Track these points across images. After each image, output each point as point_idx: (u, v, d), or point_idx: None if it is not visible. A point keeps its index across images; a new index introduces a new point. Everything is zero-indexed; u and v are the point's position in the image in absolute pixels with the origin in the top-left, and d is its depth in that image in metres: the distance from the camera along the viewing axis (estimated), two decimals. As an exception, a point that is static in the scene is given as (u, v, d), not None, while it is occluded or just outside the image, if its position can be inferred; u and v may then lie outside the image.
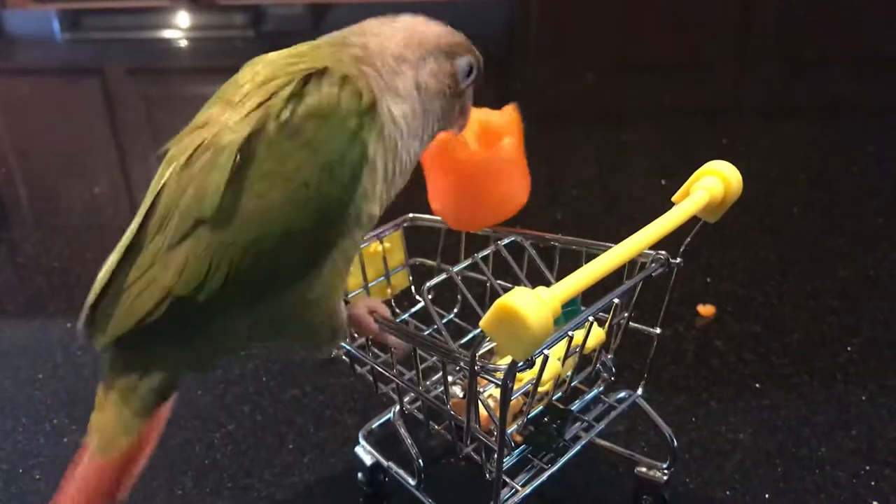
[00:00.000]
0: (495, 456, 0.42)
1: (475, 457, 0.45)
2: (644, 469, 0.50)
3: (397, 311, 0.54)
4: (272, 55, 0.42)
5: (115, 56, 1.66)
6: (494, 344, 0.45)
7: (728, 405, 0.57)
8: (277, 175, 0.37)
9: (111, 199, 1.03)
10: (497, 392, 0.45)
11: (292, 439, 0.56)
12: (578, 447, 0.46)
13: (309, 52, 0.41)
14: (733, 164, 0.41)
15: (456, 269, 0.48)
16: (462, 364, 0.38)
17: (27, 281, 0.80)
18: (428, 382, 0.51)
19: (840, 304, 0.68)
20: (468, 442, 0.44)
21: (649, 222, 0.38)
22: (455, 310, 0.55)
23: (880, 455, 0.52)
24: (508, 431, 0.44)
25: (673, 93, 1.23)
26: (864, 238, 0.78)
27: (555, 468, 0.45)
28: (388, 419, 0.52)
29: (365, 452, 0.51)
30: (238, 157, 0.37)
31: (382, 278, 0.54)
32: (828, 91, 1.21)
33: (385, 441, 0.52)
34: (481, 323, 0.33)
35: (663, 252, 0.44)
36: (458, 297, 0.54)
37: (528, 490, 0.43)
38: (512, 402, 0.46)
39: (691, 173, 0.41)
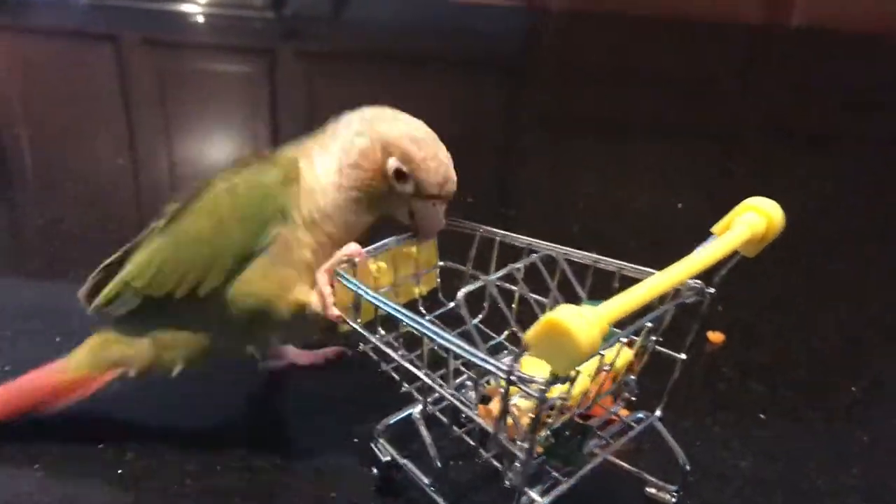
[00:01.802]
0: (516, 464, 0.44)
1: (494, 463, 0.46)
2: (654, 490, 0.51)
3: (423, 311, 0.55)
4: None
5: (132, 24, 1.65)
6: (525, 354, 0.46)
7: (732, 431, 0.58)
8: (208, 210, 0.51)
9: (117, 168, 1.04)
10: (522, 402, 0.47)
11: (330, 420, 0.58)
12: (595, 463, 0.47)
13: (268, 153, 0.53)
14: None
15: (492, 277, 0.49)
16: (500, 374, 0.39)
17: (45, 244, 0.80)
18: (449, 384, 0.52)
19: (847, 343, 0.70)
20: (491, 448, 0.45)
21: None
22: (480, 316, 0.55)
23: (878, 495, 0.53)
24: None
25: (684, 110, 1.24)
26: (873, 276, 0.80)
27: (573, 481, 0.46)
28: (405, 417, 0.53)
29: (381, 449, 0.52)
30: (193, 192, 0.51)
31: (412, 279, 0.55)
32: (838, 118, 1.23)
33: (399, 438, 0.52)
34: (527, 336, 0.34)
35: (698, 281, 0.45)
36: (485, 304, 0.55)
37: (546, 500, 0.44)
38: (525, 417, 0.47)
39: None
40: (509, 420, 0.45)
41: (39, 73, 1.41)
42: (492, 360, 0.40)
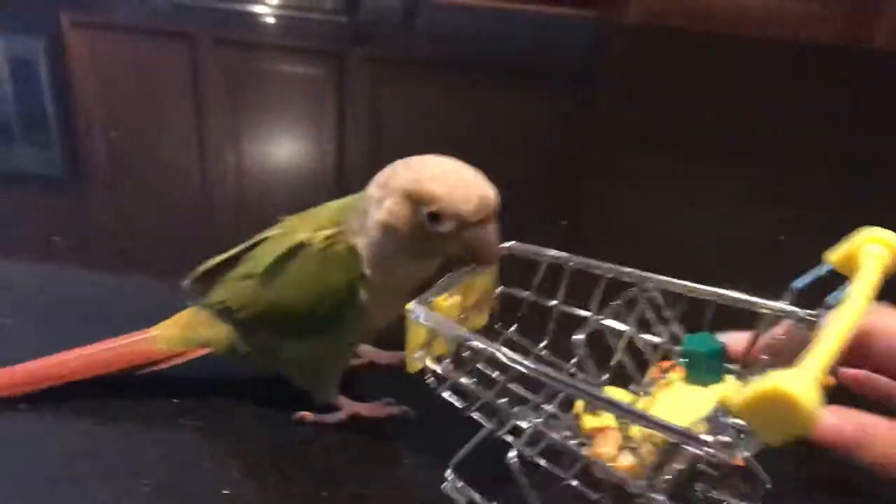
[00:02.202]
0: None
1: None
2: None
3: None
4: (344, 199, 0.56)
5: (207, 24, 1.66)
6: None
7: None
8: (296, 276, 0.54)
9: (187, 165, 1.04)
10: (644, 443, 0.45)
11: (408, 454, 0.55)
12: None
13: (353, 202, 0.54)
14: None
15: (601, 318, 0.47)
16: (702, 451, 0.37)
17: (116, 239, 0.81)
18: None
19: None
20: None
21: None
22: (543, 343, 0.53)
23: None
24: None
25: (756, 129, 1.21)
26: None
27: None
28: (473, 451, 0.50)
29: (456, 491, 0.49)
30: (289, 249, 0.54)
31: (475, 309, 0.53)
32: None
33: (477, 476, 0.50)
34: (735, 403, 0.32)
35: (809, 311, 0.43)
36: (550, 329, 0.53)
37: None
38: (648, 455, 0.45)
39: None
40: (626, 461, 0.43)
41: (115, 70, 1.42)
42: (662, 422, 0.37)
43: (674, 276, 0.49)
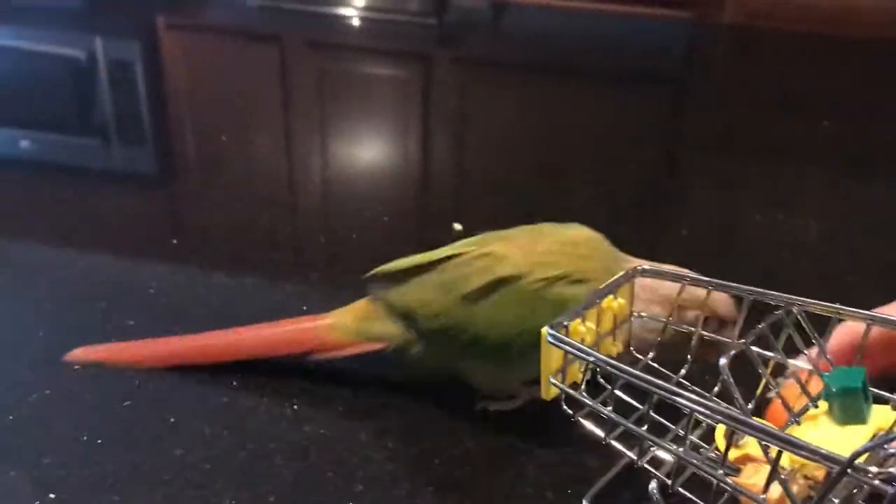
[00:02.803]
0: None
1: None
2: None
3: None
4: (555, 232, 0.57)
5: (296, 26, 1.68)
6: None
7: None
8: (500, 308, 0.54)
9: (274, 165, 1.06)
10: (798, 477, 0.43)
11: (533, 471, 0.54)
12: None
13: (585, 250, 0.56)
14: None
15: (747, 340, 0.46)
16: (865, 481, 0.35)
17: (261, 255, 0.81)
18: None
19: None
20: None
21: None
22: (682, 370, 0.52)
23: None
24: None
25: (857, 136, 1.17)
26: None
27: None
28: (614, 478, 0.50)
29: None
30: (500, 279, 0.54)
31: (610, 335, 0.52)
32: None
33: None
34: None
35: None
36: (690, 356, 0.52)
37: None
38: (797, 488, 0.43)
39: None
40: (775, 493, 0.42)
41: (208, 72, 1.45)
42: (820, 450, 0.36)
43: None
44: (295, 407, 0.59)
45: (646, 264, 0.53)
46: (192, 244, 0.82)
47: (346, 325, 0.59)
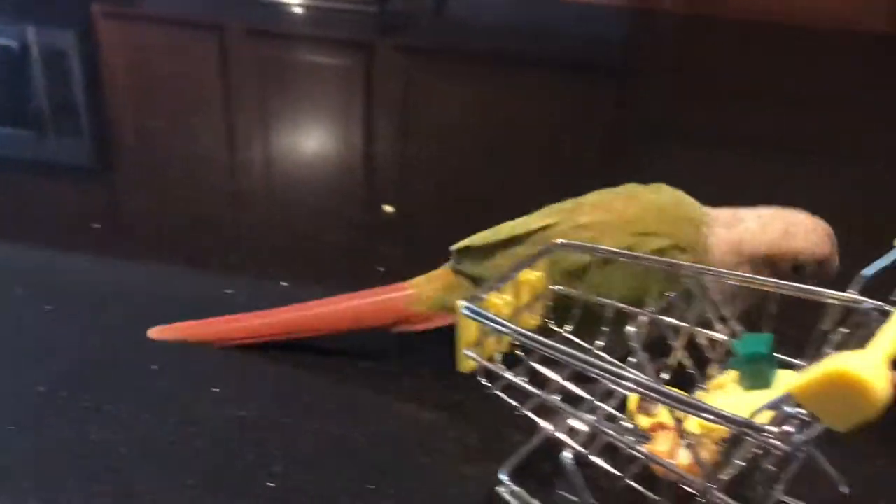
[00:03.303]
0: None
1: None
2: None
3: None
4: (643, 194, 0.57)
5: (237, 14, 1.65)
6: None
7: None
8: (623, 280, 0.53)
9: (215, 155, 1.04)
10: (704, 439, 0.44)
11: (455, 448, 0.54)
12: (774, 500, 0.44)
13: (677, 212, 0.55)
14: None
15: (656, 310, 0.46)
16: (762, 440, 0.36)
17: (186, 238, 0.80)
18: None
19: None
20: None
21: None
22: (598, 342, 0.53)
23: None
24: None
25: (802, 123, 1.19)
26: None
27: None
28: (527, 458, 0.50)
29: (512, 496, 0.48)
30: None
31: (527, 309, 0.52)
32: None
33: (528, 477, 0.49)
34: (792, 388, 0.31)
35: (877, 302, 0.42)
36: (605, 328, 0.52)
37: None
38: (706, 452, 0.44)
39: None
40: (684, 460, 0.42)
41: (147, 60, 1.42)
42: (721, 412, 0.36)
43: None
44: (216, 390, 0.58)
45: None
46: (118, 230, 0.81)
47: (429, 297, 0.58)
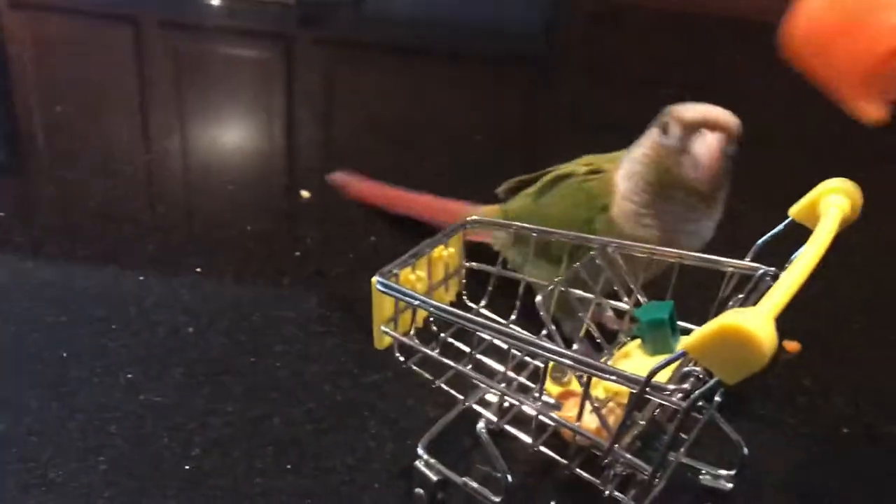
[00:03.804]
0: (609, 473, 0.42)
1: (583, 474, 0.44)
2: (709, 477, 0.51)
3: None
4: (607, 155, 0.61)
5: (151, 6, 1.62)
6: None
7: (817, 448, 0.57)
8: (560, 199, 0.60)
9: (128, 151, 1.01)
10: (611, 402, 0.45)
11: (374, 425, 0.55)
12: (677, 461, 0.46)
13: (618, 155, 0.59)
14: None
15: (563, 280, 0.48)
16: (629, 385, 0.37)
17: (100, 228, 0.78)
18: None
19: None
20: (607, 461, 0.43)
21: None
22: (513, 317, 0.54)
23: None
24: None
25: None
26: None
27: (663, 483, 0.45)
28: (443, 430, 0.51)
29: (428, 468, 0.49)
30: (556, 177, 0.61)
31: (442, 284, 0.53)
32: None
33: (444, 450, 0.50)
34: (687, 344, 0.32)
35: (772, 268, 0.44)
36: (518, 303, 0.54)
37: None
38: (613, 417, 0.46)
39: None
40: (591, 424, 0.44)
41: (56, 53, 1.38)
42: (622, 372, 0.38)
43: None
44: (129, 376, 0.57)
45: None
46: (26, 217, 0.79)
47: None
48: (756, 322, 0.31)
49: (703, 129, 0.49)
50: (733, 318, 0.31)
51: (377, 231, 0.79)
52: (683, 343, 0.33)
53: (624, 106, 1.26)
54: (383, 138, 1.07)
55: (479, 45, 1.56)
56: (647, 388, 0.37)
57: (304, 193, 0.84)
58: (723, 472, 0.51)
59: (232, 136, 1.10)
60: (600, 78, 1.42)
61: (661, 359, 0.44)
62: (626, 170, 0.55)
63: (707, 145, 0.49)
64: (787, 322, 0.67)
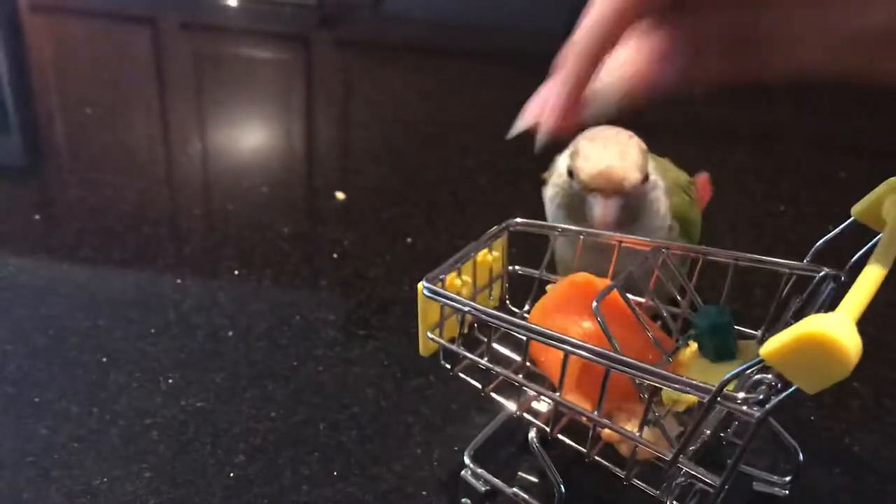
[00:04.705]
0: (671, 485, 0.41)
1: (641, 485, 0.43)
2: (763, 484, 0.49)
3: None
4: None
5: (172, 7, 1.62)
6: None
7: (872, 453, 0.55)
8: None
9: (152, 151, 1.01)
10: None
11: (419, 431, 0.54)
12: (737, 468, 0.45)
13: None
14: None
15: (617, 283, 0.46)
16: (700, 394, 0.36)
17: (133, 230, 0.77)
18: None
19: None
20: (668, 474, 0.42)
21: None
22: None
23: None
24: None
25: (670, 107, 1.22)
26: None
27: (724, 493, 0.43)
28: (491, 439, 0.50)
29: (475, 478, 0.48)
30: None
31: (486, 289, 0.52)
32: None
33: (490, 458, 0.49)
34: (766, 351, 0.31)
35: (831, 269, 0.43)
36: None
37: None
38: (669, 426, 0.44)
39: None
40: (652, 433, 0.43)
41: (77, 56, 1.38)
42: (690, 381, 0.37)
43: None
44: (170, 381, 0.57)
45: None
46: (58, 221, 0.78)
47: None
48: (841, 329, 0.30)
49: (596, 192, 0.50)
50: (817, 324, 0.30)
51: (413, 231, 0.78)
52: (761, 350, 0.32)
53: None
54: (406, 138, 1.06)
55: (500, 43, 1.55)
56: (719, 398, 0.35)
57: (339, 195, 0.83)
58: (777, 478, 0.50)
59: (256, 137, 1.09)
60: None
61: (724, 366, 0.43)
62: (550, 183, 0.56)
63: (599, 212, 0.50)
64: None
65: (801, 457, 0.48)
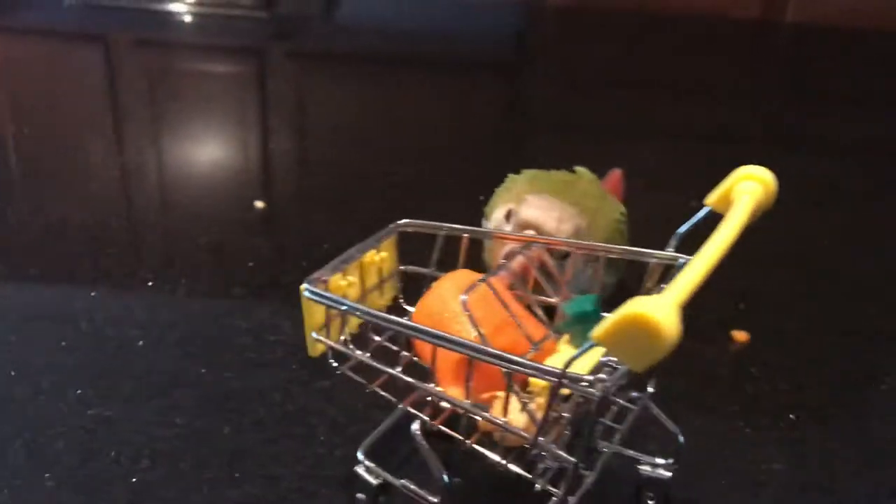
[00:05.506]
0: (540, 466, 0.43)
1: (516, 469, 0.44)
2: (647, 467, 0.50)
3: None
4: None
5: (123, 25, 1.63)
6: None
7: (763, 434, 0.57)
8: None
9: (106, 167, 1.01)
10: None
11: (323, 431, 0.55)
12: (611, 451, 0.46)
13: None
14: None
15: (486, 278, 0.48)
16: (549, 378, 0.38)
17: (52, 244, 0.78)
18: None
19: (873, 341, 0.69)
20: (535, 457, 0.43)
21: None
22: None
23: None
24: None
25: (679, 108, 1.23)
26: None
27: (595, 475, 0.45)
28: (384, 435, 0.51)
29: (368, 472, 0.49)
30: None
31: (376, 289, 0.53)
32: (855, 125, 1.23)
33: (389, 453, 0.51)
34: (595, 334, 0.32)
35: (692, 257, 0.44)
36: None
37: (575, 499, 0.43)
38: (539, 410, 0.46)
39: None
40: (520, 420, 0.44)
41: (29, 74, 1.39)
42: (538, 365, 0.38)
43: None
44: (78, 392, 0.58)
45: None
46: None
47: None
48: (659, 309, 0.31)
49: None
50: (636, 306, 0.31)
51: (331, 238, 0.79)
52: (593, 332, 0.34)
53: (599, 107, 1.28)
54: (357, 147, 1.07)
55: (452, 51, 1.57)
56: (564, 380, 0.37)
57: (259, 204, 0.84)
58: (660, 460, 0.51)
59: (207, 154, 1.10)
60: (570, 81, 1.43)
61: (589, 352, 0.45)
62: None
63: (520, 261, 0.52)
64: (736, 313, 0.68)
65: (681, 439, 0.49)
